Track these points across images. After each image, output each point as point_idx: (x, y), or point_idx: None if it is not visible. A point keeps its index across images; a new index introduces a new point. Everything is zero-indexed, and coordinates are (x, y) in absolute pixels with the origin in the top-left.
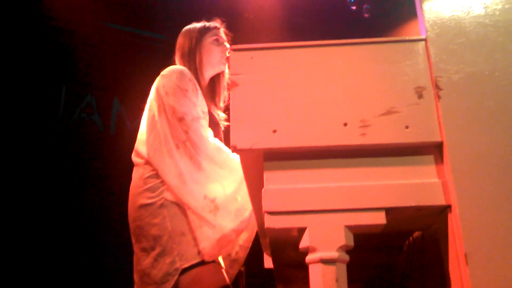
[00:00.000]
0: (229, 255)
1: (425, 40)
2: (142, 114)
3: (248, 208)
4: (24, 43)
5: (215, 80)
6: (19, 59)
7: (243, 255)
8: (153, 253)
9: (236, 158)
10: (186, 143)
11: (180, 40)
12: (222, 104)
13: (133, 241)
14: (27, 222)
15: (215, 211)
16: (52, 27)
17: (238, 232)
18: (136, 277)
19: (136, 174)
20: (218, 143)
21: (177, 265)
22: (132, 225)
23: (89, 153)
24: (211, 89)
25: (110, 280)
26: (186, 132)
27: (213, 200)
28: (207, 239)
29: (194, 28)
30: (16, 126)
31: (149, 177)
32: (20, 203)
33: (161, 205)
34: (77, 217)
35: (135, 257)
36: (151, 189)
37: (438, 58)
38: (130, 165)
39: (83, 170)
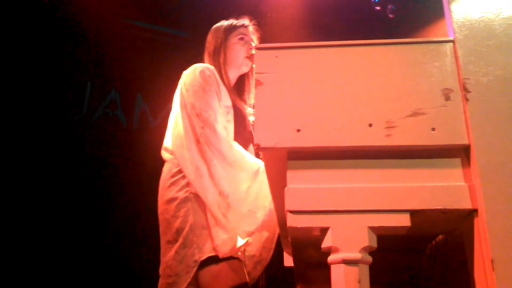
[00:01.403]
0: (253, 256)
1: (453, 41)
2: (164, 111)
3: (258, 209)
4: (50, 40)
5: (244, 77)
6: (45, 56)
7: (266, 256)
8: (176, 245)
9: (248, 158)
10: (200, 139)
11: (208, 38)
12: (251, 101)
13: (160, 233)
14: (52, 216)
15: (226, 209)
16: (77, 25)
17: (249, 234)
18: (160, 269)
19: (165, 169)
20: (232, 142)
21: (196, 257)
22: (160, 218)
23: (112, 148)
24: (240, 87)
25: (136, 277)
26: (202, 128)
27: (226, 197)
28: (220, 239)
29: (221, 27)
30: (41, 122)
31: (176, 172)
32: (45, 197)
33: (186, 199)
34: (100, 212)
35: (161, 250)
36: (177, 183)
37: (467, 60)
38: (153, 161)
39: (106, 166)
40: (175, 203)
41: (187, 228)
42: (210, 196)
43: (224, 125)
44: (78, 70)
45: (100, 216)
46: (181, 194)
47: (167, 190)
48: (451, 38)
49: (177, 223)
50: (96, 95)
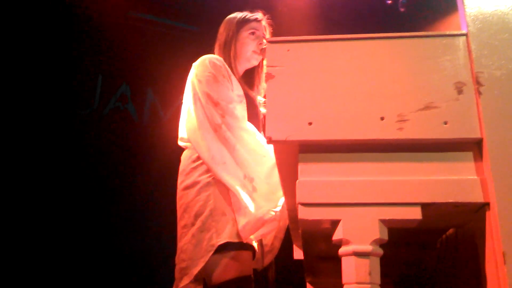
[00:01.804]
0: (265, 245)
1: (466, 35)
2: (175, 104)
3: (280, 195)
4: (61, 34)
5: (254, 71)
6: (56, 50)
7: (277, 245)
8: (193, 229)
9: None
10: (222, 126)
11: (221, 29)
12: (261, 94)
13: (177, 220)
14: (63, 209)
15: (253, 193)
16: (88, 18)
17: (274, 215)
18: (176, 256)
19: (184, 155)
20: (252, 128)
21: (213, 241)
22: (178, 204)
23: (123, 142)
24: (249, 80)
25: (153, 269)
26: (223, 116)
27: (251, 180)
28: (241, 223)
29: (234, 19)
30: (52, 116)
31: (197, 157)
32: (55, 190)
33: (208, 183)
34: (111, 205)
35: (178, 236)
36: (199, 168)
37: (480, 53)
38: (163, 154)
39: (116, 159)
40: (197, 187)
41: (206, 213)
42: (233, 180)
43: (241, 114)
44: (89, 64)
45: (110, 209)
46: (204, 179)
47: (188, 175)
48: (464, 31)
49: (196, 207)
50: (107, 89)
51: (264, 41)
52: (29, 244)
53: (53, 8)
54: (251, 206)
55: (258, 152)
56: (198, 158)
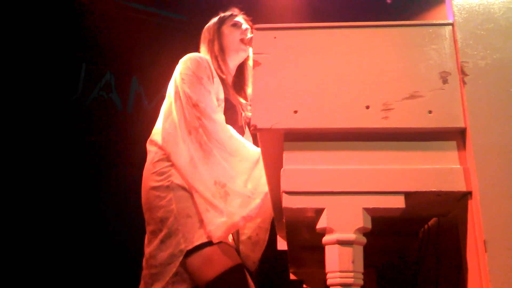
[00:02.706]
0: (249, 237)
1: (452, 24)
2: (159, 94)
3: (258, 196)
4: (44, 21)
5: (243, 68)
6: (39, 38)
7: (264, 236)
8: (160, 235)
9: (248, 146)
10: (199, 129)
11: (202, 36)
12: (250, 91)
13: (145, 223)
14: (43, 199)
15: (225, 197)
16: (72, 5)
17: (247, 219)
18: (144, 260)
19: (148, 159)
20: (231, 131)
21: (182, 246)
22: (143, 208)
23: (106, 131)
24: (239, 77)
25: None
26: (199, 119)
27: (223, 186)
28: (213, 224)
29: (212, 22)
30: (35, 104)
31: (158, 161)
32: (37, 180)
33: (167, 187)
34: (95, 195)
35: (145, 240)
36: (159, 173)
37: (465, 43)
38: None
39: (100, 148)
40: (157, 192)
41: (171, 218)
42: (203, 186)
43: (220, 118)
44: (72, 51)
45: (94, 199)
46: (163, 183)
47: (148, 179)
48: (450, 21)
49: (160, 213)
50: (90, 77)
51: (248, 26)
52: (12, 234)
53: None
54: (220, 211)
55: (236, 156)
56: (158, 162)
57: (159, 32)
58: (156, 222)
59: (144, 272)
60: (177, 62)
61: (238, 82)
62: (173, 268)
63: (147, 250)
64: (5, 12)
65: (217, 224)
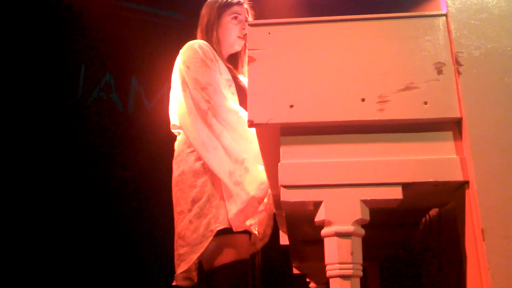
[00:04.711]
0: (258, 233)
1: (445, 15)
2: (159, 94)
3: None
4: (43, 23)
5: (236, 54)
6: (38, 39)
7: (269, 232)
8: (189, 215)
9: None
10: (208, 112)
11: (202, 12)
12: (246, 76)
13: (174, 206)
14: (44, 200)
15: (243, 175)
16: (70, 7)
17: (260, 200)
18: (174, 241)
19: (178, 141)
20: (241, 112)
21: (212, 226)
22: (174, 190)
23: (107, 132)
24: (233, 63)
25: (141, 258)
26: (208, 101)
27: (242, 162)
28: (231, 212)
29: (215, 3)
30: (34, 106)
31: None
32: (38, 182)
33: (205, 169)
34: (95, 196)
35: (174, 222)
36: (194, 153)
37: (459, 33)
38: (148, 144)
39: (101, 150)
40: (192, 173)
41: (204, 199)
42: (220, 168)
43: (230, 98)
44: (72, 52)
45: (95, 201)
46: (198, 164)
47: (183, 161)
48: (444, 12)
49: (193, 193)
50: (90, 78)
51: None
52: (13, 235)
53: None
54: (241, 193)
55: (245, 138)
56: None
57: (157, 31)
58: (186, 202)
59: (175, 253)
60: (175, 61)
61: (231, 64)
62: (201, 248)
63: (176, 230)
64: (4, 15)
65: (233, 214)
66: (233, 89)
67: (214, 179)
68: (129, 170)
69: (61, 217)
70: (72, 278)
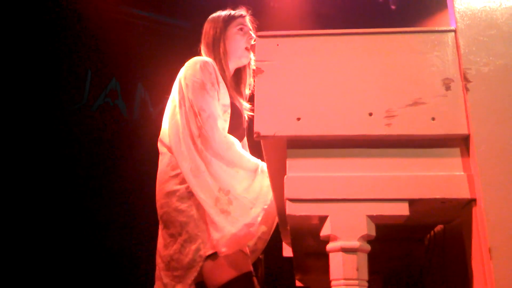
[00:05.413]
0: (248, 246)
1: (454, 31)
2: (165, 100)
3: (260, 204)
4: (51, 28)
5: (241, 68)
6: (46, 44)
7: (261, 246)
8: (180, 239)
9: (247, 158)
10: (199, 138)
11: (206, 29)
12: (247, 92)
13: (161, 226)
14: (48, 204)
15: (228, 204)
16: (78, 13)
17: (249, 226)
18: (160, 261)
19: (162, 161)
20: (231, 142)
21: (201, 252)
22: (159, 212)
23: (112, 137)
24: (237, 76)
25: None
26: (200, 128)
27: (227, 193)
28: (214, 238)
29: (219, 17)
30: (41, 111)
31: (177, 164)
32: (44, 186)
33: (189, 193)
34: (100, 201)
35: (162, 242)
36: (179, 176)
37: (468, 49)
38: (153, 150)
39: (106, 155)
40: (177, 196)
41: (191, 223)
42: (204, 195)
43: (222, 126)
44: (78, 58)
45: (99, 205)
46: (183, 187)
47: (166, 183)
48: (452, 27)
49: (180, 217)
50: (96, 84)
51: (254, 36)
52: (12, 240)
53: (42, 2)
54: (223, 222)
55: (234, 168)
56: (177, 165)
57: (163, 38)
58: (175, 226)
59: (167, 273)
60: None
61: (235, 82)
62: (194, 272)
63: (167, 252)
64: (12, 20)
65: (216, 239)
66: (227, 115)
67: (199, 202)
68: (132, 176)
69: (63, 221)
70: (73, 279)
